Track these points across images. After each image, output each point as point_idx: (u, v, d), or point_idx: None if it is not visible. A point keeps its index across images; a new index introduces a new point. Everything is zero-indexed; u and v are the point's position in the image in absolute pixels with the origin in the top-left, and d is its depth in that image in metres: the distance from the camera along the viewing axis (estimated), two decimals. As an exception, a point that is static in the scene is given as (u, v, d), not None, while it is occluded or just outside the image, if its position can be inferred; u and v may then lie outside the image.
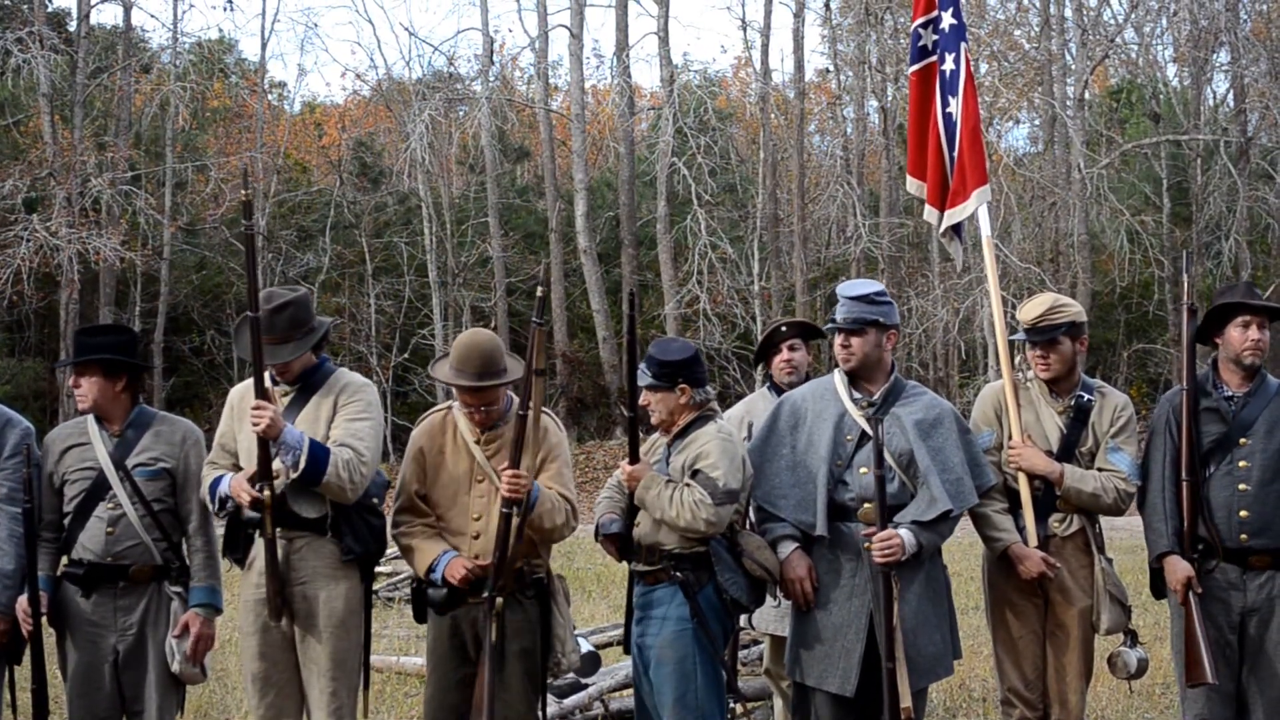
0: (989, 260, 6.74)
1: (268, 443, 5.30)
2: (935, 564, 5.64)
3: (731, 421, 6.64)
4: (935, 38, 6.82)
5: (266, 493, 5.33)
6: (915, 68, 6.96)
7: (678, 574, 5.46)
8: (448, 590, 5.48)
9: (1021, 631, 5.97)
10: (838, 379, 5.71)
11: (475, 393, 5.48)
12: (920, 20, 6.90)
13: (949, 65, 6.78)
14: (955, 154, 6.69)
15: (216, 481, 5.53)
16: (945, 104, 6.77)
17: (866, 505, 5.45)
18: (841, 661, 5.43)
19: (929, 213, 6.89)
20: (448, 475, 5.62)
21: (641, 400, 5.63)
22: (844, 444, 5.56)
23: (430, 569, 5.50)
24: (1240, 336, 5.74)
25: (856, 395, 5.64)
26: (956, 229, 6.81)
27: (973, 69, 6.87)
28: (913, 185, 7.00)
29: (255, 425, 5.28)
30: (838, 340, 5.64)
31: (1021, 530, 5.89)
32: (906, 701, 5.25)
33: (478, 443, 5.60)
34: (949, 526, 5.54)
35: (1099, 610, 5.86)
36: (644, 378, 5.59)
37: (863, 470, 5.49)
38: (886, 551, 5.29)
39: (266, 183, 31.73)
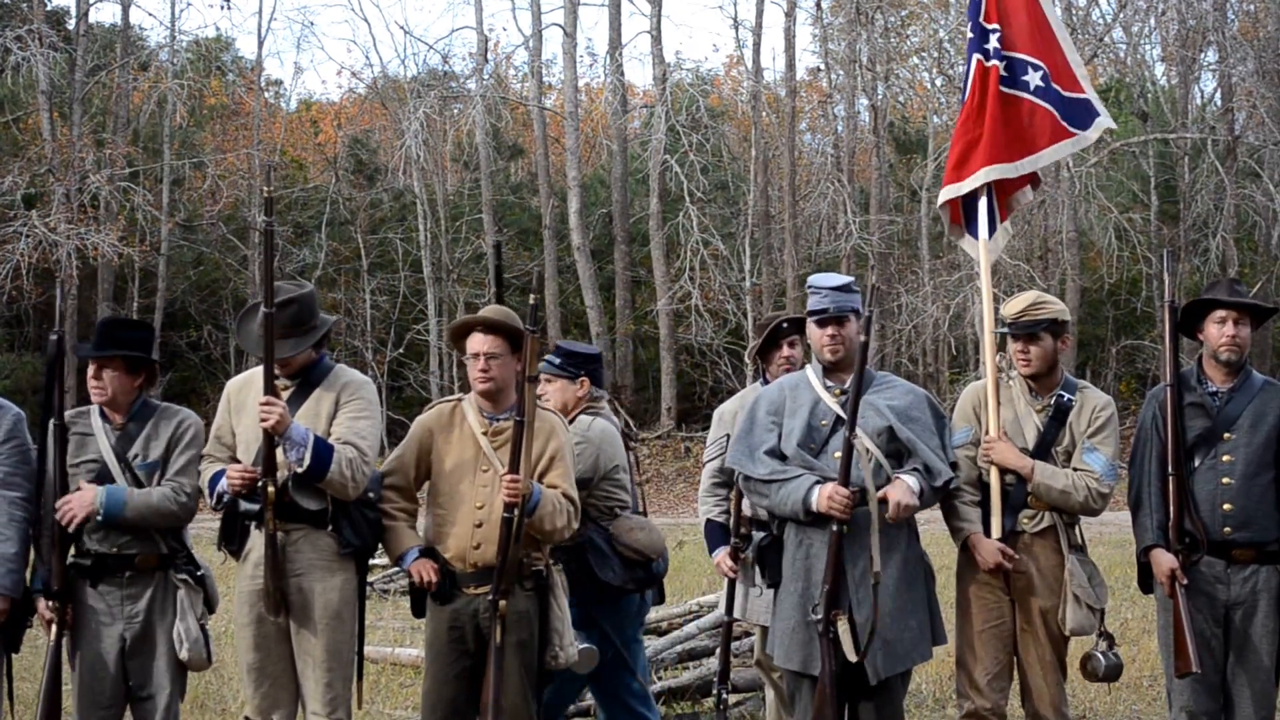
0: (983, 256, 6.57)
1: (273, 437, 5.37)
2: (913, 549, 5.64)
3: (725, 417, 6.79)
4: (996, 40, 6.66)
5: (271, 488, 5.38)
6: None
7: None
8: (448, 580, 5.58)
9: (983, 625, 5.91)
10: (810, 372, 5.75)
11: (488, 331, 5.57)
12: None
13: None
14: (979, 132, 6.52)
15: (216, 476, 5.56)
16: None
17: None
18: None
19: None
20: (453, 464, 5.65)
21: (540, 389, 5.78)
22: (819, 429, 5.57)
23: (400, 559, 5.67)
24: (1217, 333, 5.77)
25: (830, 384, 5.65)
26: (970, 224, 6.68)
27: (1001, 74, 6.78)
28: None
29: (264, 421, 5.33)
30: (825, 331, 5.62)
31: (988, 523, 5.89)
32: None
33: (484, 434, 5.63)
34: (936, 497, 5.59)
35: (1063, 610, 5.80)
36: (549, 367, 5.80)
37: (836, 455, 5.45)
38: (895, 513, 5.30)
39: (263, 179, 31.79)
